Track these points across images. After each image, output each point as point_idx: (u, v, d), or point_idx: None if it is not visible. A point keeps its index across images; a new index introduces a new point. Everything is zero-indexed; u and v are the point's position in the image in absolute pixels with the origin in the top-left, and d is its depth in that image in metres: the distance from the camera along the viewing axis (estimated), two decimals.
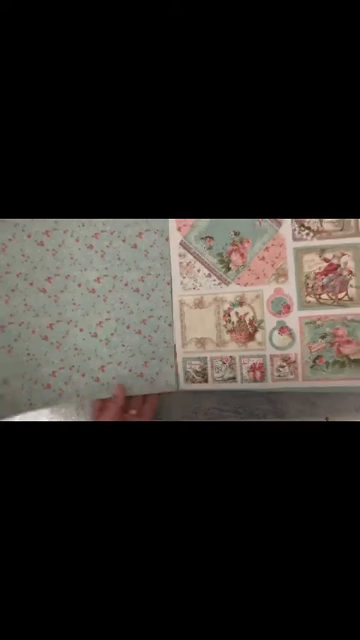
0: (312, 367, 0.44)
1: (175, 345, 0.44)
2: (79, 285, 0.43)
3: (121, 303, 0.43)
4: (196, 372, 0.44)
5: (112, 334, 0.43)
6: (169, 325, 0.44)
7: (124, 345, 0.43)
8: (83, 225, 0.43)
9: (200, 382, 0.44)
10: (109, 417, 0.40)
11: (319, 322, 0.44)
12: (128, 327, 0.43)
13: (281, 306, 0.44)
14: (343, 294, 0.44)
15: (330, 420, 0.46)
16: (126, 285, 0.43)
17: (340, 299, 0.44)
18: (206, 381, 0.44)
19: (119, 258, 0.43)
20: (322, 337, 0.44)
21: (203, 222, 0.44)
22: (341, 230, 0.43)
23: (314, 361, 0.44)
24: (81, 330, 0.43)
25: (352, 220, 0.43)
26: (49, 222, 0.42)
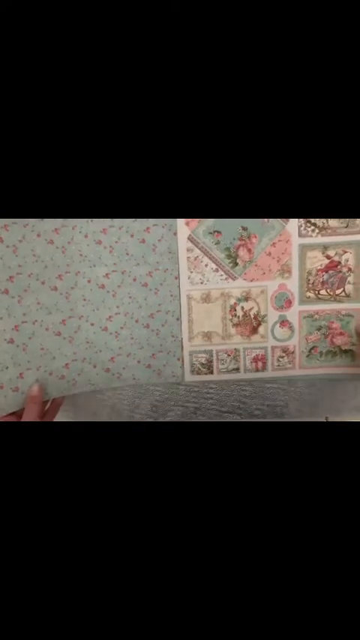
0: (307, 356, 0.48)
1: (182, 339, 0.46)
2: (89, 281, 0.43)
3: (130, 298, 0.44)
4: (202, 364, 0.47)
5: (121, 328, 0.45)
6: (177, 319, 0.46)
7: (132, 338, 0.45)
8: (91, 221, 0.42)
9: (206, 374, 0.47)
10: (31, 416, 0.40)
11: (316, 316, 0.47)
12: (137, 322, 0.45)
13: (283, 301, 0.46)
14: (341, 290, 0.46)
15: (330, 420, 0.50)
16: (134, 280, 0.44)
17: (337, 295, 0.46)
18: (211, 372, 0.47)
19: (127, 254, 0.44)
20: (318, 329, 0.47)
21: None
22: (346, 227, 0.45)
23: (310, 351, 0.48)
24: (92, 324, 0.44)
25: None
26: (58, 220, 0.41)
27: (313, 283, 0.46)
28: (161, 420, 0.48)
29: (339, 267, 0.46)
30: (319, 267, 0.45)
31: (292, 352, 0.47)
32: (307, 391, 0.48)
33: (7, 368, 0.40)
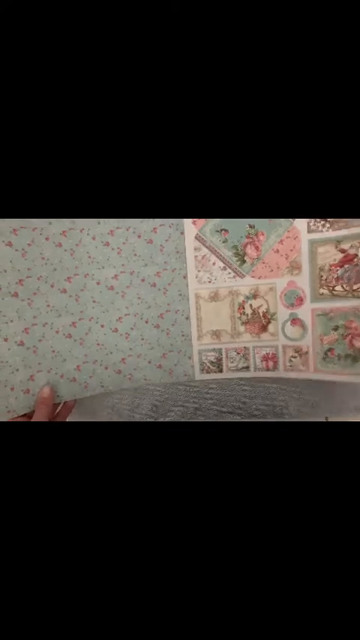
0: (324, 359, 0.46)
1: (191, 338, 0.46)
2: (98, 283, 0.44)
3: (139, 298, 0.45)
4: (212, 362, 0.46)
5: (131, 328, 0.45)
6: (186, 318, 0.45)
7: (143, 339, 0.45)
8: (99, 223, 0.43)
9: (215, 372, 0.46)
10: (41, 418, 0.40)
11: (331, 314, 0.45)
12: (147, 322, 0.45)
13: (294, 299, 0.45)
14: (359, 285, 0.44)
15: (330, 420, 0.48)
16: (143, 280, 0.44)
17: (355, 290, 0.44)
18: (221, 371, 0.46)
19: (135, 254, 0.44)
20: (335, 329, 0.45)
21: None
22: None
23: (326, 353, 0.46)
24: (102, 326, 0.44)
25: None
26: (66, 223, 0.42)
27: (326, 279, 0.45)
28: (161, 420, 0.48)
29: (355, 260, 0.44)
30: (332, 262, 0.44)
31: (306, 353, 0.46)
32: (307, 391, 0.47)
33: (17, 370, 0.41)
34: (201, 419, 0.48)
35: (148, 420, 0.48)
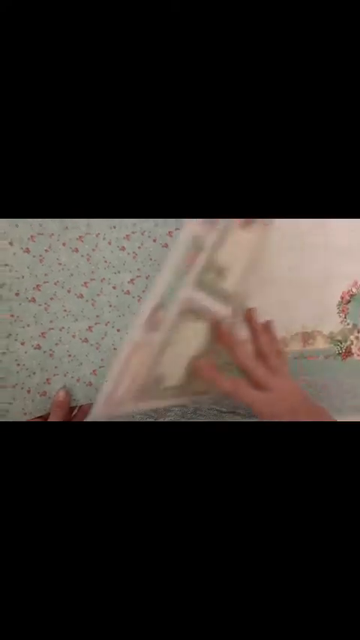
0: None
1: None
2: (114, 288, 0.44)
3: None
4: None
5: None
6: None
7: None
8: (114, 227, 0.43)
9: None
10: (55, 420, 0.40)
11: None
12: None
13: None
14: None
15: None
16: None
17: None
18: None
19: (151, 259, 0.44)
20: None
21: None
22: None
23: None
24: (118, 330, 0.44)
25: None
26: (82, 228, 0.42)
27: None
28: (161, 420, 0.47)
29: None
30: None
31: None
32: (307, 391, 0.46)
33: (34, 373, 0.41)
34: (201, 419, 0.47)
35: (148, 420, 0.48)
